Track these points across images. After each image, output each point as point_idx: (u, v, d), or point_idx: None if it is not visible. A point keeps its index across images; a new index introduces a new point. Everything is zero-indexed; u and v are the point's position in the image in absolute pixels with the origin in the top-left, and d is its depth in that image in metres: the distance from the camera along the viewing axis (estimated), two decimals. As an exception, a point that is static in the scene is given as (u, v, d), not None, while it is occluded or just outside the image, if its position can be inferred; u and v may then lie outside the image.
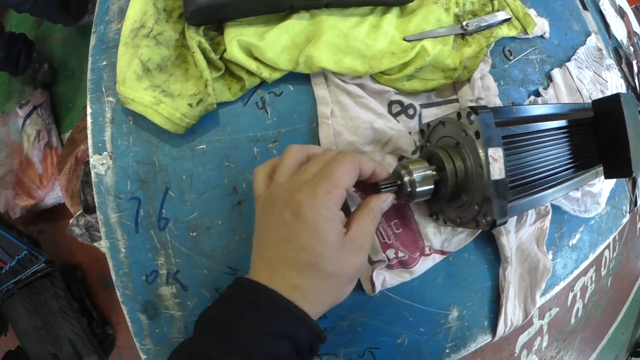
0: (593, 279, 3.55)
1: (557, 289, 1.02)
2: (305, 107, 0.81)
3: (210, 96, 0.72)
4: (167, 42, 0.75)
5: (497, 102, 0.90)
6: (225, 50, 0.75)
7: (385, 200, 0.66)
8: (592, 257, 1.11)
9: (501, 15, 0.95)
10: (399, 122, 0.83)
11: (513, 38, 1.02)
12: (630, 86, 1.39)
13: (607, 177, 0.93)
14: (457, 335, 0.87)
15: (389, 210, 0.79)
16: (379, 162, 0.81)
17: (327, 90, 0.80)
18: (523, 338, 3.04)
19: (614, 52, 1.40)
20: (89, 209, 1.72)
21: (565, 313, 3.35)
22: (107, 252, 0.74)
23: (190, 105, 0.71)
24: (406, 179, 0.68)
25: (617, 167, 0.89)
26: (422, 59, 0.81)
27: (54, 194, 2.36)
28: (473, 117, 0.66)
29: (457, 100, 0.89)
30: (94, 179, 0.75)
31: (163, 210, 0.74)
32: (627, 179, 1.29)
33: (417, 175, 0.68)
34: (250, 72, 0.76)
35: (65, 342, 2.16)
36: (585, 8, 1.31)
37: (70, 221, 1.92)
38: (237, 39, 0.73)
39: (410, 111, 0.85)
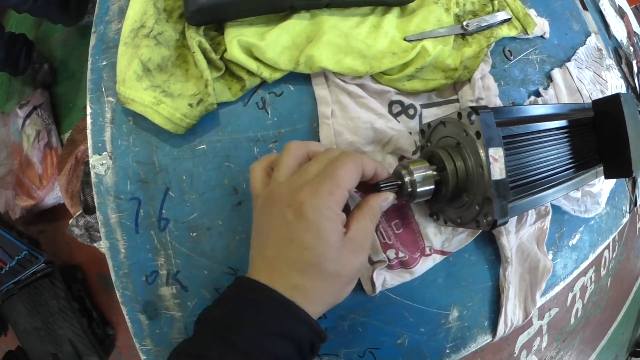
0: (593, 279, 3.55)
1: (557, 289, 1.02)
2: (306, 107, 0.81)
3: (211, 96, 0.71)
4: (168, 42, 0.75)
5: (497, 102, 0.90)
6: (225, 50, 0.75)
7: (385, 199, 0.66)
8: (592, 257, 1.11)
9: (501, 16, 0.95)
10: (399, 122, 0.83)
11: (513, 38, 1.02)
12: (630, 86, 1.39)
13: (607, 177, 0.93)
14: (457, 335, 0.86)
15: (389, 211, 0.79)
16: (379, 162, 0.81)
17: (327, 90, 0.80)
18: (523, 338, 3.04)
19: (614, 52, 1.40)
20: (89, 209, 1.72)
21: (564, 313, 3.34)
22: (107, 252, 0.74)
23: (190, 105, 0.71)
24: (407, 179, 0.68)
25: (617, 167, 0.89)
26: (423, 59, 0.81)
27: (53, 195, 2.36)
28: (474, 117, 0.66)
29: (457, 101, 0.89)
30: (93, 179, 0.74)
31: (163, 211, 0.74)
32: (627, 179, 1.29)
33: (417, 175, 0.68)
34: (250, 72, 0.76)
35: (65, 343, 2.16)
36: (585, 8, 1.31)
37: (70, 221, 1.92)
38: (238, 39, 0.73)
39: (411, 111, 0.85)
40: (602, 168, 0.92)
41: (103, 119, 0.76)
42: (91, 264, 2.47)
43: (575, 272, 1.06)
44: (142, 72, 0.72)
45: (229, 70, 0.77)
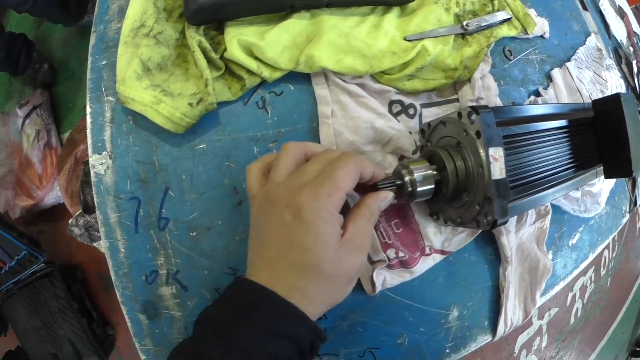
0: (592, 278, 3.55)
1: (557, 288, 1.02)
2: (306, 107, 0.81)
3: (211, 96, 0.71)
4: (167, 42, 0.75)
5: (497, 101, 0.90)
6: (225, 49, 0.75)
7: (383, 198, 0.66)
8: (591, 257, 1.11)
9: (501, 15, 0.95)
10: (399, 121, 0.83)
11: (513, 38, 1.02)
12: (630, 86, 1.39)
13: (607, 176, 0.93)
14: (457, 335, 0.86)
15: (389, 210, 0.79)
16: (378, 163, 0.81)
17: (327, 90, 0.80)
18: (522, 338, 3.04)
19: (614, 52, 1.40)
20: (89, 209, 1.72)
21: (564, 313, 3.35)
22: (106, 252, 0.74)
23: (190, 104, 0.71)
24: (407, 178, 0.68)
25: (617, 167, 0.89)
26: (423, 58, 0.81)
27: (53, 194, 2.36)
28: (474, 116, 0.66)
29: (457, 100, 0.89)
30: (93, 178, 0.74)
31: (163, 210, 0.74)
32: (626, 178, 1.29)
33: (417, 174, 0.68)
34: (250, 72, 0.76)
35: (65, 343, 2.16)
36: (585, 8, 1.31)
37: (70, 221, 1.93)
38: (238, 38, 0.73)
39: (411, 111, 0.85)
40: (602, 168, 0.92)
41: (103, 119, 0.76)
42: (91, 264, 2.47)
43: (575, 272, 1.06)
44: (142, 71, 0.72)
45: (229, 70, 0.77)
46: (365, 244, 0.62)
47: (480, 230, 0.86)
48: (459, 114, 0.69)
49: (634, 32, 1.64)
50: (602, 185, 1.11)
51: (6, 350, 2.29)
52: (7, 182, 2.41)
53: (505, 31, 0.96)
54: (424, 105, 0.87)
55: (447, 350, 0.86)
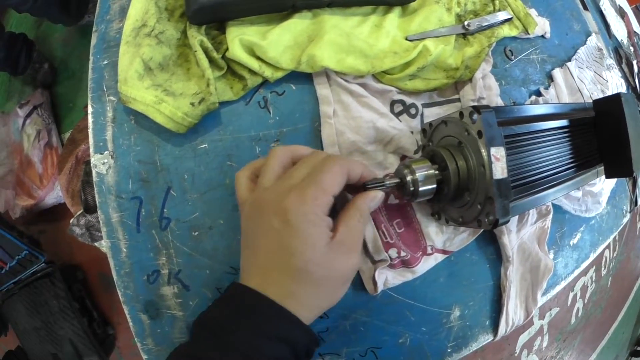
0: (593, 278, 3.56)
1: (558, 288, 1.02)
2: (308, 107, 0.81)
3: (213, 95, 0.71)
4: (169, 41, 0.75)
5: (498, 101, 0.91)
6: (227, 49, 0.75)
7: (372, 198, 0.65)
8: (592, 256, 1.11)
9: (502, 15, 0.95)
10: (401, 121, 0.83)
11: (514, 38, 1.02)
12: (631, 86, 1.40)
13: (607, 176, 0.93)
14: (458, 334, 0.87)
15: (391, 210, 0.79)
16: (379, 162, 0.81)
17: (329, 90, 0.80)
18: (523, 338, 3.04)
19: (614, 52, 1.40)
20: (90, 208, 1.72)
21: (565, 313, 3.35)
22: (108, 252, 0.74)
23: (192, 104, 0.71)
24: (409, 178, 0.69)
25: (617, 167, 0.89)
26: (424, 58, 0.81)
27: (54, 194, 2.36)
28: (475, 116, 0.66)
29: (458, 100, 0.89)
30: (95, 178, 0.75)
31: (165, 210, 0.74)
32: (627, 178, 1.29)
33: (419, 174, 0.69)
34: (252, 71, 0.76)
35: (65, 343, 2.16)
36: (585, 8, 1.31)
37: (71, 221, 1.93)
38: (240, 38, 0.73)
39: (413, 110, 0.85)
40: (602, 167, 0.92)
41: (104, 118, 0.76)
42: (92, 264, 2.47)
43: (576, 272, 1.06)
44: (143, 71, 0.72)
45: (231, 70, 0.77)
46: (356, 245, 0.62)
47: (482, 230, 0.86)
48: (461, 114, 0.69)
49: (635, 32, 1.64)
50: (603, 185, 1.11)
51: (6, 350, 2.28)
52: (8, 182, 2.41)
53: (506, 31, 0.96)
54: (425, 105, 0.87)
55: (449, 350, 0.86)
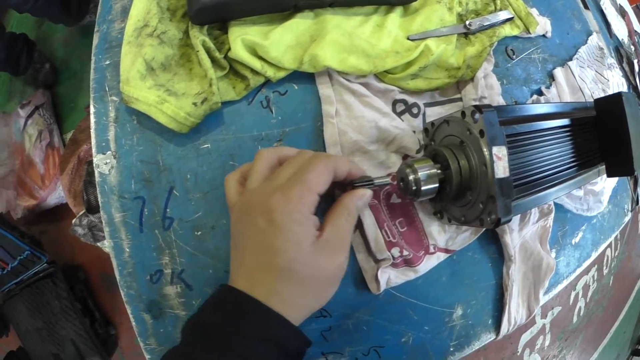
0: (595, 277, 3.56)
1: (560, 287, 1.02)
2: (310, 106, 0.81)
3: (215, 95, 0.72)
4: (171, 41, 0.75)
5: (500, 101, 0.91)
6: (229, 49, 0.75)
7: (360, 196, 0.65)
8: (594, 255, 1.11)
9: (503, 15, 0.95)
10: (403, 120, 0.83)
11: (515, 37, 1.02)
12: (632, 85, 1.40)
13: (609, 175, 0.93)
14: (461, 333, 0.87)
15: (394, 209, 0.80)
16: (382, 162, 0.81)
17: (331, 89, 0.80)
18: (526, 337, 3.05)
19: (615, 51, 1.40)
20: (92, 208, 1.72)
21: (567, 312, 3.35)
22: (111, 251, 0.74)
23: (194, 104, 0.71)
24: (411, 177, 0.69)
25: (619, 166, 0.90)
26: (426, 58, 0.82)
27: (56, 194, 2.36)
28: (477, 115, 0.66)
29: (460, 99, 0.89)
30: (97, 178, 0.75)
31: (167, 210, 0.74)
32: (628, 177, 1.29)
33: (422, 173, 0.69)
34: (254, 71, 0.76)
35: (67, 343, 2.17)
36: (586, 7, 1.31)
37: (73, 221, 1.93)
38: (242, 38, 0.73)
39: (415, 110, 0.86)
40: (604, 166, 0.92)
41: (107, 118, 0.76)
42: (93, 264, 2.47)
43: (578, 271, 1.06)
44: (145, 71, 0.72)
45: (233, 69, 0.77)
46: (343, 244, 0.62)
47: (484, 229, 0.86)
48: (463, 113, 0.69)
49: (635, 31, 1.64)
50: (604, 184, 1.11)
51: (8, 350, 2.28)
52: (9, 182, 2.41)
53: (507, 30, 0.97)
54: (427, 105, 0.87)
55: (451, 349, 0.86)
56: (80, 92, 2.64)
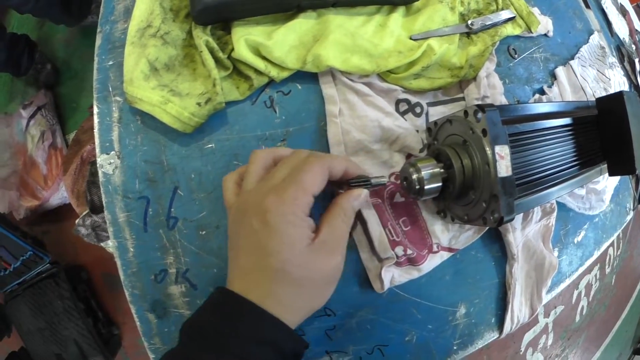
0: (598, 276, 3.56)
1: (562, 286, 1.02)
2: (314, 106, 0.81)
3: (219, 95, 0.72)
4: (175, 42, 0.76)
5: (502, 100, 0.91)
6: (232, 49, 0.75)
7: (356, 197, 0.65)
8: (596, 254, 1.11)
9: (505, 14, 0.96)
10: (406, 120, 0.84)
11: (517, 37, 1.03)
12: (633, 84, 1.40)
13: (611, 174, 0.93)
14: (464, 332, 0.87)
15: (397, 208, 0.80)
16: (385, 161, 0.82)
17: (335, 89, 0.80)
18: (529, 336, 3.05)
19: (617, 50, 1.41)
20: (96, 209, 1.72)
21: (570, 311, 3.35)
22: (115, 251, 0.74)
23: (198, 104, 0.71)
24: (414, 176, 0.69)
25: (620, 165, 0.90)
26: (429, 57, 0.82)
27: (58, 195, 2.37)
28: (480, 115, 0.66)
29: (463, 99, 0.89)
30: (101, 178, 0.75)
31: (172, 209, 0.75)
32: (630, 176, 1.29)
33: (425, 172, 0.69)
34: (258, 71, 0.76)
35: (70, 343, 2.17)
36: (587, 6, 1.31)
37: (77, 221, 1.93)
38: (245, 38, 0.73)
39: (418, 109, 0.86)
40: (606, 165, 0.93)
41: (110, 119, 0.76)
42: (96, 264, 2.47)
43: (580, 269, 1.06)
44: (149, 71, 0.72)
45: (237, 70, 0.77)
46: (339, 245, 0.62)
47: (487, 228, 0.86)
48: (465, 113, 0.70)
49: (636, 30, 1.64)
50: (606, 183, 1.12)
51: (10, 351, 2.28)
52: (11, 183, 2.41)
53: (509, 30, 0.97)
54: (430, 104, 0.87)
55: (455, 348, 0.86)
56: (82, 92, 2.65)
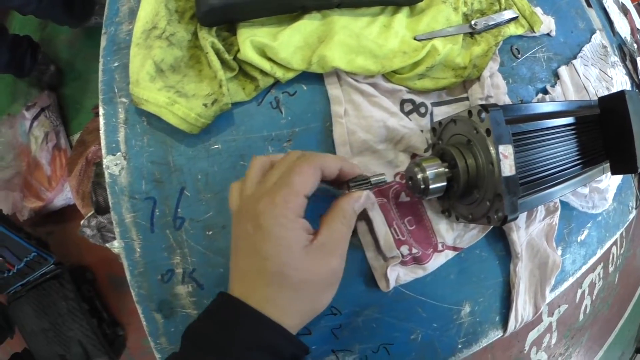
0: (601, 275, 3.56)
1: (566, 284, 1.02)
2: (319, 107, 0.82)
3: (225, 96, 0.72)
4: (180, 43, 0.76)
5: (506, 100, 0.91)
6: (238, 50, 0.76)
7: (356, 199, 0.65)
8: (599, 253, 1.12)
9: (508, 14, 0.96)
10: (411, 120, 0.84)
11: (520, 36, 1.03)
12: (635, 83, 1.40)
13: (613, 173, 0.94)
14: (469, 330, 0.87)
15: (402, 208, 0.80)
16: (390, 161, 0.82)
17: (340, 90, 0.81)
18: (533, 335, 3.04)
19: (618, 49, 1.41)
20: (101, 209, 1.73)
21: (574, 310, 3.35)
22: (121, 252, 0.74)
23: (205, 105, 0.72)
24: (419, 176, 0.70)
25: (622, 163, 0.90)
26: (433, 58, 0.82)
27: (63, 196, 2.37)
28: (484, 115, 0.67)
29: (467, 99, 0.90)
30: (107, 179, 0.75)
31: (179, 210, 0.75)
32: (633, 175, 1.29)
33: (430, 172, 0.70)
34: (263, 72, 0.77)
35: (74, 344, 2.16)
36: (589, 5, 1.32)
37: (82, 222, 1.93)
38: (251, 39, 0.74)
39: (422, 109, 0.86)
40: (608, 164, 0.93)
41: (116, 120, 0.77)
42: (101, 265, 2.47)
43: (584, 268, 1.07)
44: (155, 73, 0.72)
45: (242, 71, 0.78)
46: (338, 248, 0.62)
47: (491, 227, 0.87)
48: (469, 112, 0.70)
49: (637, 29, 1.64)
50: (609, 182, 1.12)
51: (12, 352, 2.28)
52: (15, 184, 2.40)
53: (512, 30, 0.97)
54: (434, 104, 0.88)
55: (459, 346, 0.87)
56: (86, 93, 2.64)
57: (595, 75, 1.17)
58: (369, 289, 0.79)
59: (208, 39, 0.73)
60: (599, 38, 1.26)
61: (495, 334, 0.90)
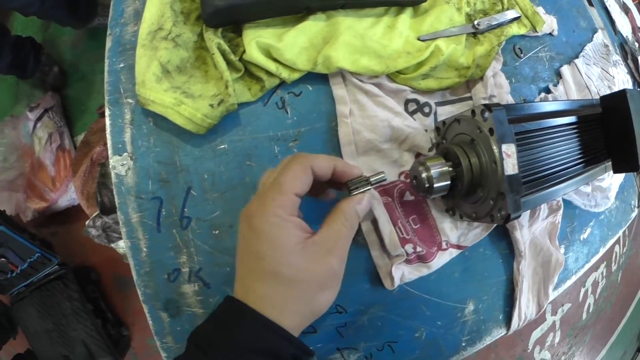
0: (604, 274, 3.55)
1: (569, 282, 1.03)
2: (324, 107, 0.82)
3: (231, 97, 0.73)
4: (186, 44, 0.76)
5: (509, 99, 0.92)
6: (243, 51, 0.76)
7: (358, 202, 0.64)
8: (602, 251, 1.12)
9: (511, 14, 0.96)
10: (415, 120, 0.85)
11: (523, 36, 1.03)
12: (636, 82, 1.40)
13: (615, 171, 0.94)
14: (473, 328, 0.88)
15: (407, 206, 0.81)
16: (395, 160, 0.83)
17: (345, 90, 0.81)
18: (536, 334, 3.04)
19: (620, 48, 1.41)
20: (106, 210, 1.73)
21: (577, 309, 3.35)
22: (128, 251, 0.75)
23: (211, 105, 0.73)
24: (424, 175, 0.70)
25: (624, 162, 0.91)
26: (437, 58, 0.83)
27: (67, 196, 2.37)
28: (487, 114, 0.67)
29: (470, 98, 0.90)
30: (114, 179, 0.76)
31: (185, 210, 0.76)
32: (635, 173, 1.30)
33: (434, 171, 0.70)
34: (269, 73, 0.77)
35: (78, 344, 2.16)
36: (590, 4, 1.32)
37: (87, 222, 1.93)
38: (256, 40, 0.74)
39: (426, 109, 0.87)
40: (610, 163, 0.93)
41: (122, 121, 0.77)
42: (105, 266, 2.47)
43: (586, 266, 1.07)
44: (161, 73, 0.73)
45: (248, 71, 0.78)
46: (335, 247, 0.61)
47: (495, 225, 0.87)
48: (473, 112, 0.71)
49: (639, 28, 1.64)
50: (611, 180, 1.12)
51: (15, 353, 2.28)
52: (18, 185, 2.40)
53: (515, 29, 0.98)
54: (438, 104, 0.89)
55: (463, 344, 0.87)
56: (90, 94, 2.64)
57: (597, 74, 1.18)
58: (374, 287, 0.80)
59: (214, 40, 0.74)
60: (600, 37, 1.26)
61: (499, 332, 0.91)
